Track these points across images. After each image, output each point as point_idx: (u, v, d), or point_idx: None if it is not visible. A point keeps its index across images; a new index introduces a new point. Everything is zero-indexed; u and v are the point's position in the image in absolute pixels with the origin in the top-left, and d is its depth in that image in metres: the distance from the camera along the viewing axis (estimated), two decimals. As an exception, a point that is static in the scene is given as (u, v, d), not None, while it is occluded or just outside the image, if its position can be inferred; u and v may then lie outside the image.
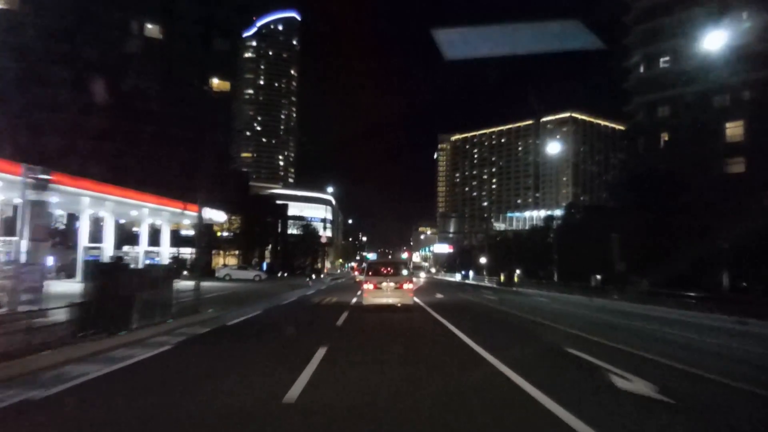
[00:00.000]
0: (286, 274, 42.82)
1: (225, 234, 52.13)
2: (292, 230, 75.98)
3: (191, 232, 50.44)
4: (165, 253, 28.15)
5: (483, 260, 64.57)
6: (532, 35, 12.48)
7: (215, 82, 59.36)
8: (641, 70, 50.13)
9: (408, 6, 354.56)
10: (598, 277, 31.11)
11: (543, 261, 43.89)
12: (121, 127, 52.27)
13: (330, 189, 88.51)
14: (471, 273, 55.60)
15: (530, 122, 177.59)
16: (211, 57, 57.72)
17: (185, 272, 40.28)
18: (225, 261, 53.82)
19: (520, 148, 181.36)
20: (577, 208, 47.05)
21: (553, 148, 33.61)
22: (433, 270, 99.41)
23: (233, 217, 48.22)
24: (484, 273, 56.80)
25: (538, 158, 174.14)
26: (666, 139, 47.36)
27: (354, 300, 17.57)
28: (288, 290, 23.45)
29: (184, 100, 55.53)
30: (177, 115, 55.06)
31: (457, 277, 60.36)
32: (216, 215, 28.88)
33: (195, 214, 26.12)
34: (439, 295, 23.11)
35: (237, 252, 54.96)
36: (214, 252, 53.24)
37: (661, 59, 48.49)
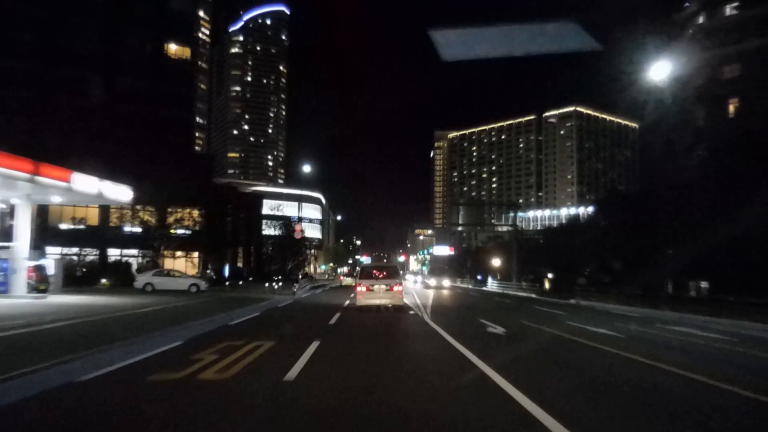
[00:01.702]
0: (241, 282, 31.94)
1: (181, 231, 41.13)
2: (275, 231, 65.15)
3: (139, 229, 39.50)
4: (21, 251, 17.19)
5: (497, 262, 54.26)
6: (529, 36, 12.17)
7: (172, 47, 48.49)
8: (700, 20, 39.94)
9: (403, 1, 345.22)
10: (703, 284, 20.59)
11: (586, 263, 33.44)
12: (45, 98, 41.48)
13: (319, 184, 77.69)
14: (489, 279, 44.65)
15: (532, 117, 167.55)
16: (165, 16, 46.92)
17: (104, 280, 29.67)
18: (180, 265, 42.97)
19: (521, 145, 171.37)
20: (621, 197, 36.50)
21: (660, 70, 23.73)
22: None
23: (175, 209, 37.07)
24: (497, 278, 46.34)
25: (541, 155, 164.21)
26: (736, 105, 37.26)
27: (295, 370, 6.68)
28: (193, 319, 12.40)
29: (128, 65, 44.84)
30: (122, 84, 44.35)
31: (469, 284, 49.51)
32: (113, 191, 18.08)
33: (62, 184, 15.44)
34: (493, 327, 11.97)
35: (197, 254, 43.98)
36: (167, 253, 42.27)
37: (728, 5, 38.39)
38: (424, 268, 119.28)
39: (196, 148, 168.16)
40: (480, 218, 34.05)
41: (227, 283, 28.31)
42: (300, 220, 34.88)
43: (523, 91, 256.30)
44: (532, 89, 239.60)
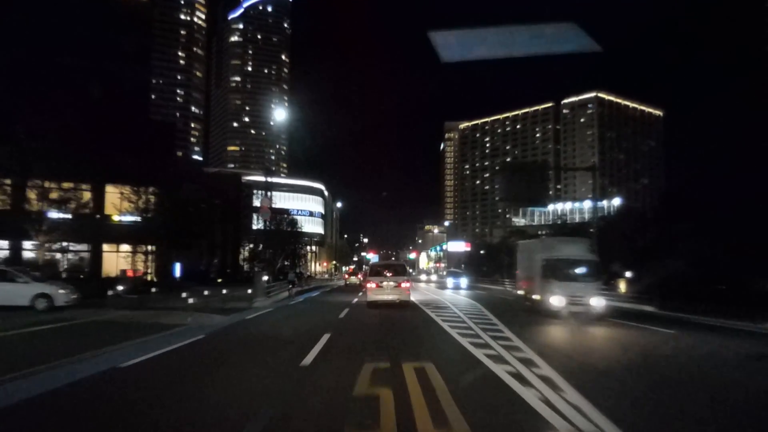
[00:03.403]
0: (154, 290, 21.35)
1: (127, 219, 30.73)
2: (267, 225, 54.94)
3: (66, 216, 28.80)
4: None
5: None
6: (529, 38, 12.13)
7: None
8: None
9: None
10: None
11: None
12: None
13: (321, 175, 67.56)
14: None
15: (549, 105, 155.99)
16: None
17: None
18: (124, 264, 32.70)
19: (537, 135, 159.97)
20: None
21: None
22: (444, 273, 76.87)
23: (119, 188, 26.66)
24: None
25: (559, 146, 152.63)
26: None
27: None
28: None
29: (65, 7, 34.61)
30: (56, 33, 34.19)
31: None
32: None
33: None
34: None
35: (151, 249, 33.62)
36: (107, 248, 32.02)
37: None
38: (432, 265, 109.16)
39: (192, 140, 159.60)
40: (539, 189, 22.76)
41: (112, 292, 17.78)
42: (268, 190, 24.40)
43: (539, 78, 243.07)
44: (548, 75, 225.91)
